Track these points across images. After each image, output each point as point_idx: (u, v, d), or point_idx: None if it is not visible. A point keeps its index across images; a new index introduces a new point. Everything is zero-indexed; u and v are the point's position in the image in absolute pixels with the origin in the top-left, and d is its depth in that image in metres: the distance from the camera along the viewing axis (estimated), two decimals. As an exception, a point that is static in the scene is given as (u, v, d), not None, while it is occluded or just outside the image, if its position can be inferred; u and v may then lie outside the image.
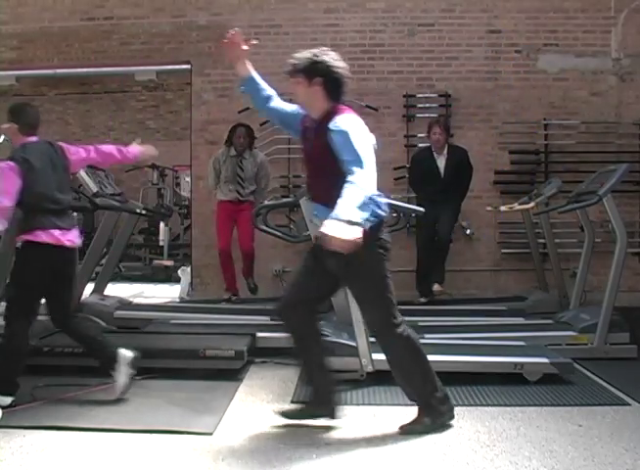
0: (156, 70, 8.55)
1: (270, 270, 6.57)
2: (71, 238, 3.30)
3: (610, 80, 6.59)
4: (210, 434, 2.83)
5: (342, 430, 2.92)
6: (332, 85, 2.82)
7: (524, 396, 3.38)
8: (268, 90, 3.06)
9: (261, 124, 6.55)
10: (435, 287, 5.67)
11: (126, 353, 3.25)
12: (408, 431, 2.84)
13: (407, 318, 4.82)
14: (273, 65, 6.71)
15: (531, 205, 5.59)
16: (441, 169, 5.78)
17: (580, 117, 6.55)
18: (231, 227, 5.96)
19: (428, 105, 6.61)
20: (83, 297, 5.00)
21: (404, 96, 6.61)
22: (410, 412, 3.13)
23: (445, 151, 5.81)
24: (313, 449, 2.68)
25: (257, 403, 3.31)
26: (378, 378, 3.54)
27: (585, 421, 3.00)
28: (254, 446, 2.73)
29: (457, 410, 3.16)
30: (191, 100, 6.86)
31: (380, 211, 2.69)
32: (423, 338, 4.23)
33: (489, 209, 6.26)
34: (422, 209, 4.13)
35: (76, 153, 3.46)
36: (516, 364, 3.60)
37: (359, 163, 2.60)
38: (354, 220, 2.45)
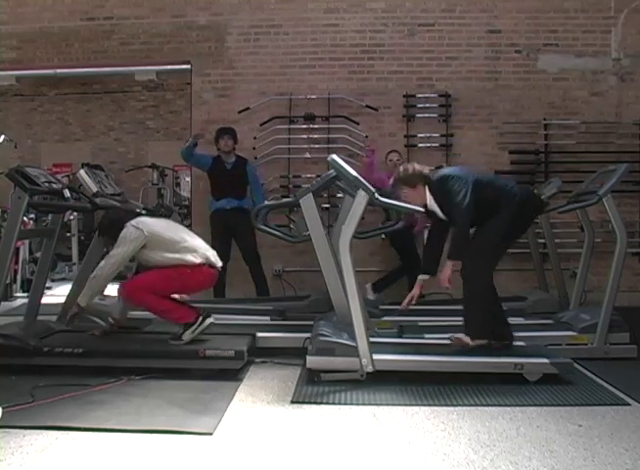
0: (156, 70, 8.53)
1: (270, 270, 6.57)
2: None
3: (610, 80, 6.59)
4: (210, 434, 2.83)
5: (343, 430, 2.92)
6: None
7: (524, 396, 3.37)
8: None
9: (261, 124, 6.56)
10: None
11: None
12: None
13: (407, 318, 4.93)
14: (273, 65, 6.74)
15: (531, 205, 5.57)
16: None
17: (580, 117, 6.55)
18: None
19: (428, 105, 6.59)
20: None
21: (404, 96, 6.60)
22: (410, 412, 3.14)
23: None
24: (313, 450, 2.68)
25: (257, 403, 3.31)
26: (378, 378, 3.54)
27: (585, 421, 3.00)
28: (254, 446, 2.73)
29: (457, 410, 3.17)
30: (191, 100, 6.85)
31: None
32: (423, 338, 4.27)
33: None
34: (421, 209, 4.08)
35: None
36: (516, 364, 3.59)
37: None
38: None
